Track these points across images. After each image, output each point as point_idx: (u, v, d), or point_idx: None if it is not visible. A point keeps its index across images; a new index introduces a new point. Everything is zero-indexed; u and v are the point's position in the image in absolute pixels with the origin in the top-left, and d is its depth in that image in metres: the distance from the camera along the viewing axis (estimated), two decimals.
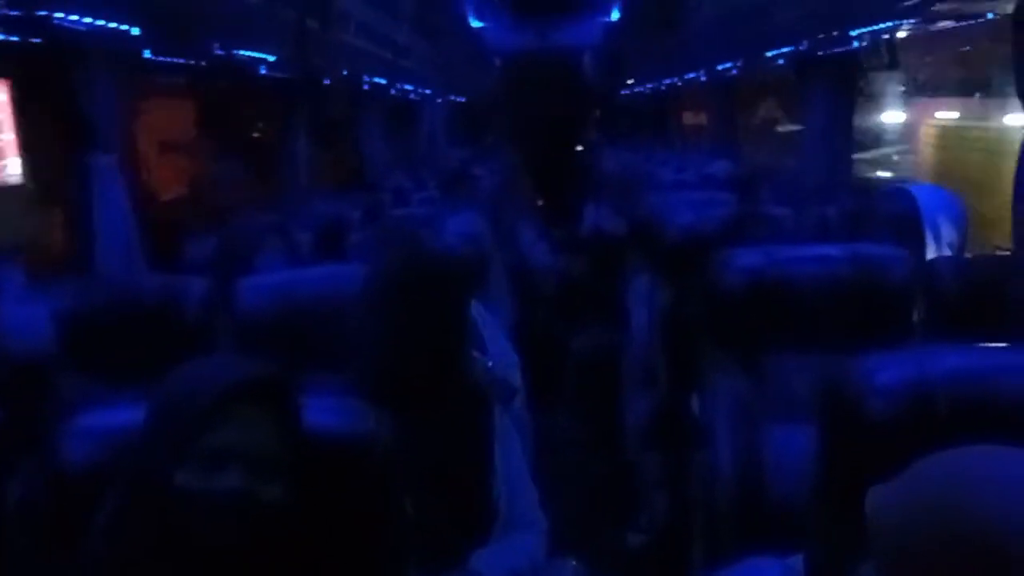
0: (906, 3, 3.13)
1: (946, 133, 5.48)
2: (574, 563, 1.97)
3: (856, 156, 4.71)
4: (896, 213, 2.40)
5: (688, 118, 10.29)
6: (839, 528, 1.29)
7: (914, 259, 2.26)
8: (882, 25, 3.42)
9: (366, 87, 6.86)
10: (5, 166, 3.03)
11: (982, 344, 1.28)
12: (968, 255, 2.39)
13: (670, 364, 2.97)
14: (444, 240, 2.80)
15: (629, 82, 12.30)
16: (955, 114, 5.37)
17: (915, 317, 2.12)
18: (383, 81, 7.61)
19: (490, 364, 1.99)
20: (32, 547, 1.20)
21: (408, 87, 9.07)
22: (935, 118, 5.61)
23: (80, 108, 2.63)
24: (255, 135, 6.08)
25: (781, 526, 1.99)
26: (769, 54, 4.84)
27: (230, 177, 3.65)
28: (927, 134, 5.69)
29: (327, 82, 5.39)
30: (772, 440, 2.09)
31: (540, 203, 8.74)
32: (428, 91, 10.19)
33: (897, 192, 2.49)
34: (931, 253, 2.33)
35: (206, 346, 1.99)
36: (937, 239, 2.33)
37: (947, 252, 2.32)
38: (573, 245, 5.28)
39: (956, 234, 2.35)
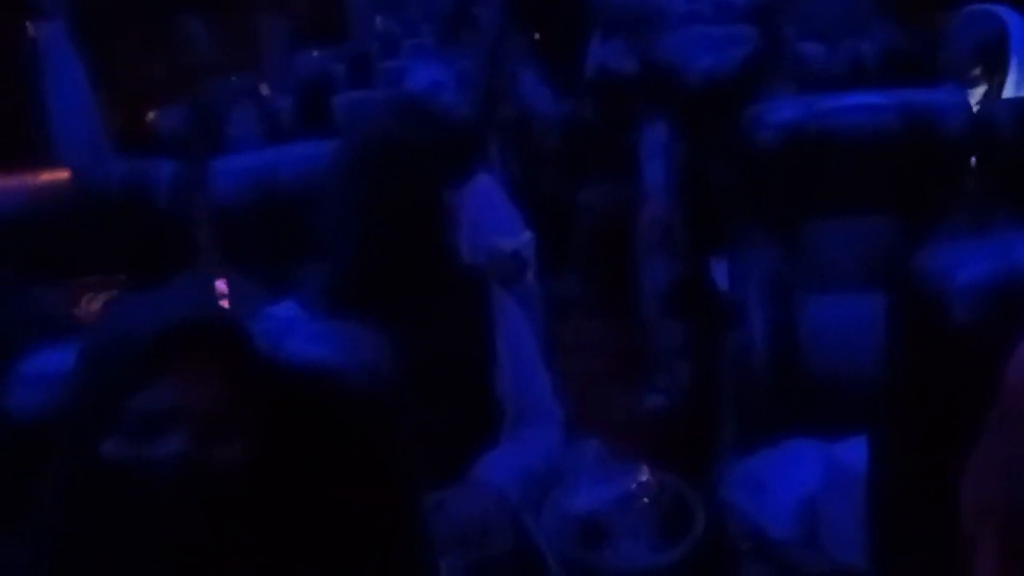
0: None
1: None
2: (596, 443, 1.84)
3: None
4: (978, 41, 2.09)
5: None
6: (911, 428, 1.17)
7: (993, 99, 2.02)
8: None
9: None
10: None
11: None
12: None
13: (689, 225, 2.79)
14: (428, 105, 2.52)
15: None
16: None
17: (970, 175, 1.90)
18: None
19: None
20: None
21: None
22: None
23: None
24: None
25: (820, 407, 1.89)
26: None
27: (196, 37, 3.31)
28: None
29: None
30: (810, 312, 1.95)
31: (537, 37, 8.25)
32: None
33: (981, 14, 2.17)
34: (1014, 92, 2.05)
35: (181, 244, 1.79)
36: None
37: None
38: (577, 89, 4.94)
39: None
